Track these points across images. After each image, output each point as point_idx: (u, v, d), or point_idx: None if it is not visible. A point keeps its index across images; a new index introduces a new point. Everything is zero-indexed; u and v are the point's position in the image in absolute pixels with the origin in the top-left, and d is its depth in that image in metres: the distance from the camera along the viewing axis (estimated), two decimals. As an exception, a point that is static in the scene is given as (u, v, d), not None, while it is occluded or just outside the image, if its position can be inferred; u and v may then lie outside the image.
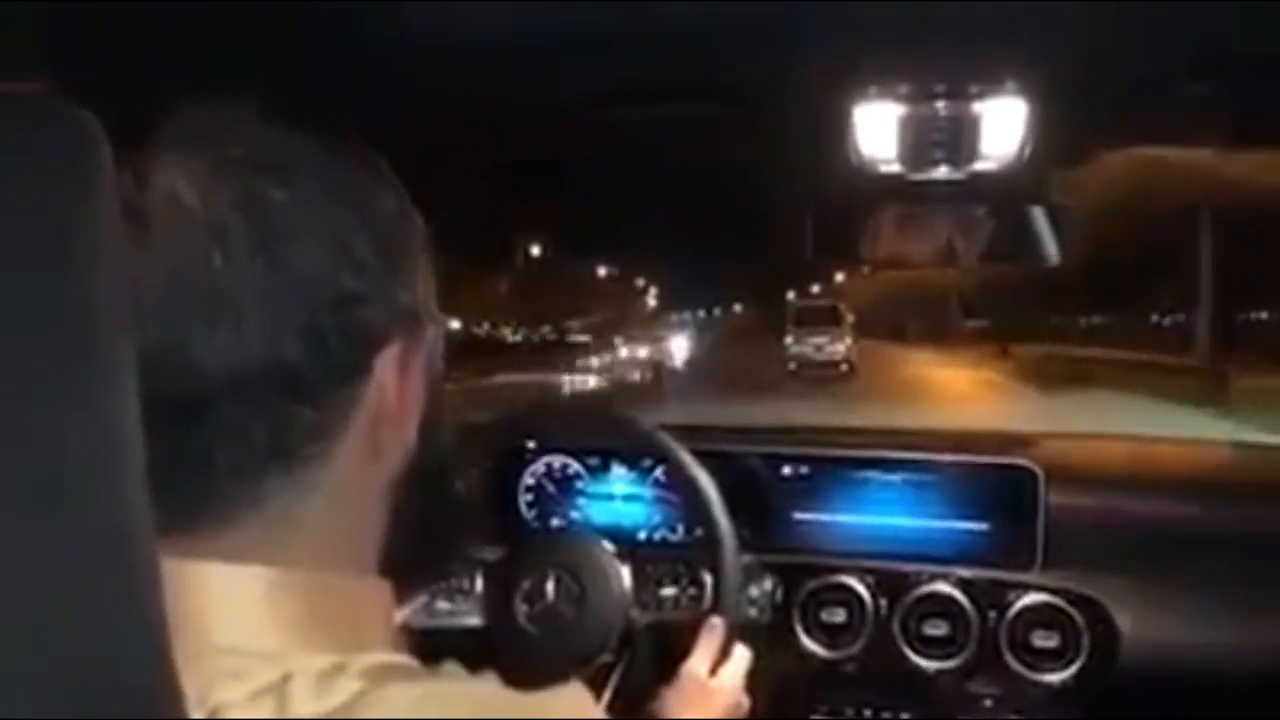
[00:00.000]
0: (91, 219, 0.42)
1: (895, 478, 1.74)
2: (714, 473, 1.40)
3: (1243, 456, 2.05)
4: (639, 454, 1.79)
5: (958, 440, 1.99)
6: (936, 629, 1.64)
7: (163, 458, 0.45)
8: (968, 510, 1.70)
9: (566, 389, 20.28)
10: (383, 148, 0.65)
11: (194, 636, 0.53)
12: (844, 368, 22.73)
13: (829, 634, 1.68)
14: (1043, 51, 1.16)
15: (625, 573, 1.45)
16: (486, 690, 0.59)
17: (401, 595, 0.68)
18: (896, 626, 1.66)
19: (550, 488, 1.86)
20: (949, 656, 1.63)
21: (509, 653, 1.42)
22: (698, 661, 1.28)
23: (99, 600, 0.41)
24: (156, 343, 0.52)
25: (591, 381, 22.67)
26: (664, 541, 1.80)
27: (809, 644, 1.69)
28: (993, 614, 1.62)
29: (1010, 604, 1.62)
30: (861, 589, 1.68)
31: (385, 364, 0.62)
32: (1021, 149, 1.35)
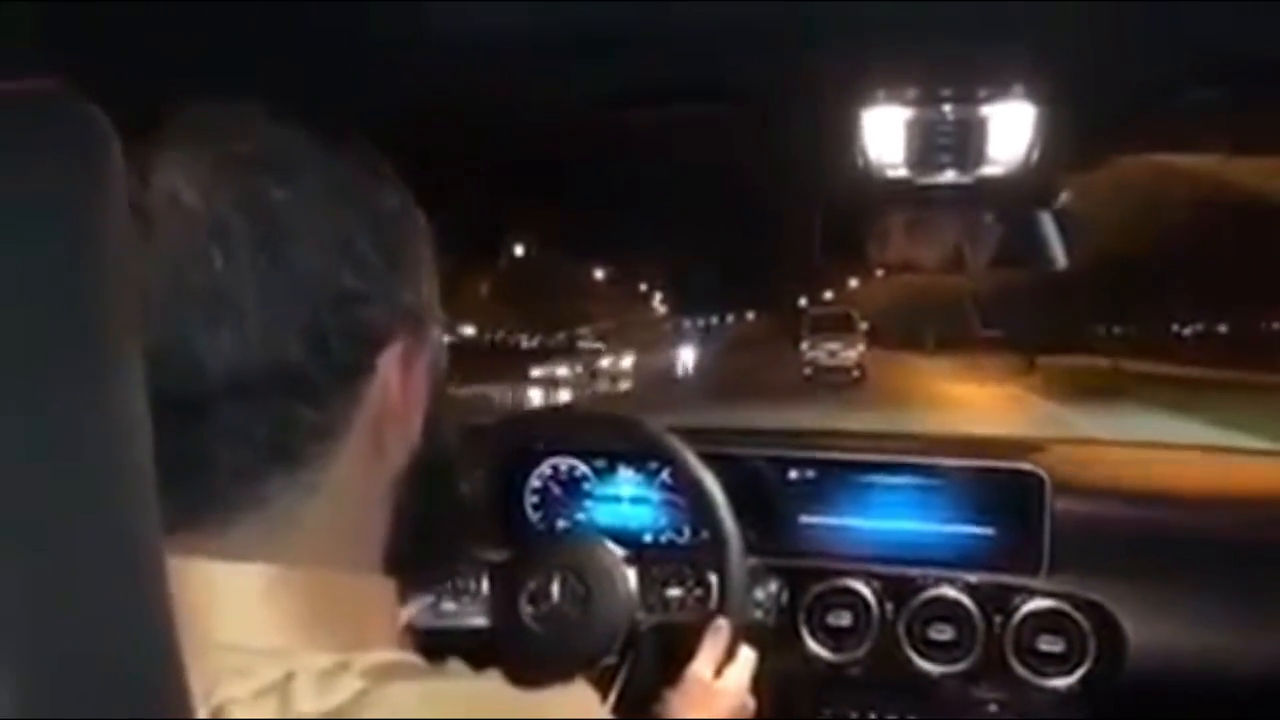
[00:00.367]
0: (102, 214, 0.42)
1: (901, 482, 1.74)
2: (720, 476, 1.40)
3: (1249, 463, 2.04)
4: (645, 456, 1.78)
5: (964, 445, 1.99)
6: (942, 633, 1.63)
7: (165, 457, 0.45)
8: (973, 515, 1.70)
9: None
10: (390, 148, 0.65)
11: (197, 634, 0.53)
12: (856, 373, 24.00)
13: (834, 637, 1.68)
14: (1049, 56, 1.16)
15: (630, 574, 1.45)
16: (490, 688, 0.59)
17: (406, 594, 0.68)
18: (902, 630, 1.65)
19: (556, 490, 1.86)
20: (954, 661, 1.63)
21: (514, 653, 1.42)
22: (702, 663, 1.27)
23: (106, 598, 0.41)
24: (158, 342, 0.52)
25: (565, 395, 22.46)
26: (670, 544, 1.80)
27: (814, 647, 1.68)
28: (998, 619, 1.62)
29: (1016, 609, 1.61)
30: (867, 593, 1.68)
31: (388, 363, 0.62)
32: (1029, 153, 1.35)
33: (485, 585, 1.52)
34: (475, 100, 1.30)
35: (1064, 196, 1.56)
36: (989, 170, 1.40)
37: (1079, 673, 1.58)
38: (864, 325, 26.65)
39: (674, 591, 1.60)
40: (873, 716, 1.70)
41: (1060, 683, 1.59)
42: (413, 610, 1.13)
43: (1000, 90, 1.24)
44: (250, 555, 0.58)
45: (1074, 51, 1.14)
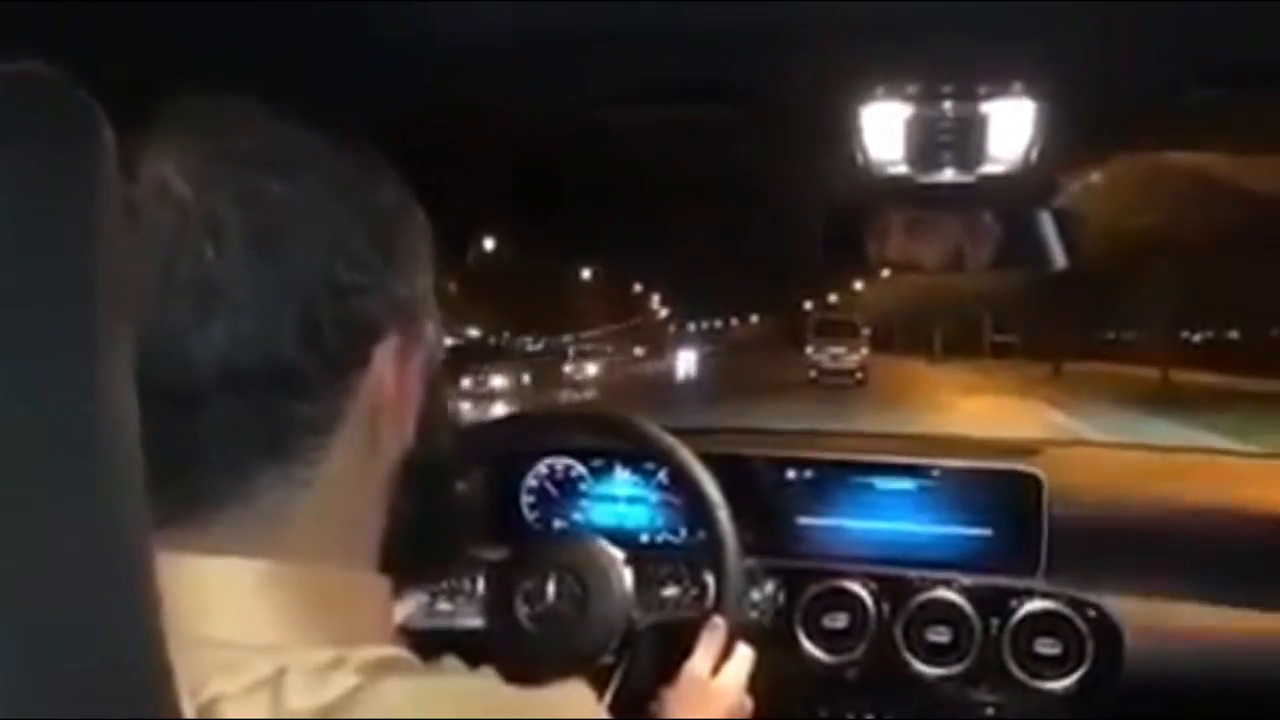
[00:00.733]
0: (91, 199, 0.42)
1: (899, 483, 1.74)
2: (718, 476, 1.40)
3: (1245, 466, 2.04)
4: (642, 457, 1.78)
5: (961, 446, 1.99)
6: (939, 635, 1.63)
7: (155, 451, 0.45)
8: (971, 516, 1.70)
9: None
10: (389, 147, 0.64)
11: (189, 630, 0.52)
12: (859, 375, 26.40)
13: (830, 639, 1.67)
14: (1050, 53, 1.15)
15: (627, 574, 1.45)
16: (484, 685, 0.59)
17: (401, 592, 0.67)
18: (899, 632, 1.65)
19: (553, 489, 1.86)
20: (951, 663, 1.62)
21: (510, 653, 1.41)
22: (699, 661, 1.27)
23: (92, 594, 0.40)
24: (149, 334, 0.52)
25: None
26: (667, 544, 1.80)
27: (810, 649, 1.68)
28: (995, 621, 1.61)
29: (1013, 611, 1.61)
30: (864, 594, 1.67)
31: (383, 357, 0.62)
32: (1029, 151, 1.34)
33: (481, 585, 1.52)
34: (475, 100, 1.29)
35: (1064, 196, 1.56)
36: (990, 169, 1.39)
37: (1076, 675, 1.58)
38: (866, 331, 29.00)
39: (670, 591, 1.59)
40: (869, 718, 1.69)
41: (1057, 685, 1.58)
42: (408, 610, 1.13)
43: (1000, 87, 1.23)
44: (242, 550, 0.58)
45: (1075, 49, 1.13)
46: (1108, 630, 1.57)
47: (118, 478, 0.42)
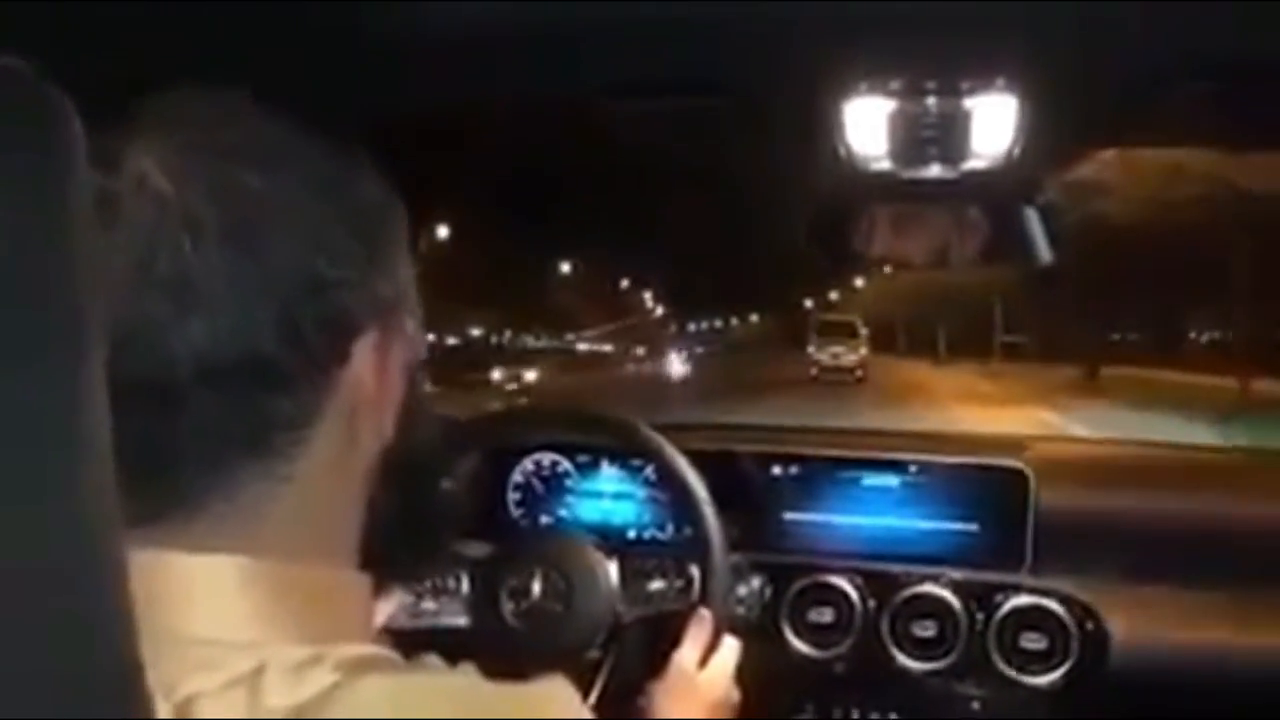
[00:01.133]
0: (61, 193, 0.41)
1: (886, 478, 1.74)
2: (704, 472, 1.41)
3: (1233, 461, 2.04)
4: (629, 453, 1.78)
5: (948, 442, 1.99)
6: (925, 630, 1.63)
7: (133, 448, 0.44)
8: (958, 511, 1.70)
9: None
10: (379, 147, 0.64)
11: (166, 627, 0.53)
12: (858, 373, 27.72)
13: (817, 634, 1.68)
14: (1034, 48, 1.15)
15: (612, 568, 1.45)
16: (464, 683, 0.59)
17: (383, 591, 0.67)
18: (885, 627, 1.65)
19: (539, 486, 1.86)
20: (937, 658, 1.63)
21: (496, 650, 1.41)
22: (686, 653, 1.27)
23: (62, 594, 0.40)
24: (126, 329, 0.52)
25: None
26: (653, 540, 1.80)
27: (797, 644, 1.68)
28: (981, 615, 1.61)
29: (999, 605, 1.61)
30: (850, 589, 1.67)
31: (362, 352, 0.62)
32: (1013, 146, 1.34)
33: (466, 584, 1.51)
34: (457, 99, 1.29)
35: (1048, 191, 1.56)
36: (974, 164, 1.39)
37: (1062, 670, 1.58)
38: (864, 331, 30.82)
39: (656, 585, 1.59)
40: (855, 714, 1.70)
41: (1043, 680, 1.58)
42: (390, 609, 1.13)
43: (984, 83, 1.23)
44: (221, 547, 0.58)
45: (1057, 44, 1.13)
46: (1093, 625, 1.57)
47: (91, 476, 0.41)
